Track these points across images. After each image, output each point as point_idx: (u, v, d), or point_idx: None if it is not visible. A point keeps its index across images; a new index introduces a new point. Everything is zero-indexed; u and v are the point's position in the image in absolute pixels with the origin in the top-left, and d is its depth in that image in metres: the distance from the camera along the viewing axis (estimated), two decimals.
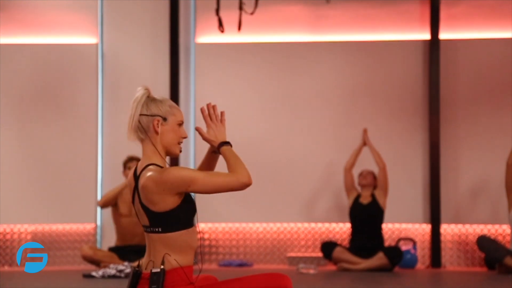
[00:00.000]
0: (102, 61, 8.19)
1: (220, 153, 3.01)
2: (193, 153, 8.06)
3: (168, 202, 2.91)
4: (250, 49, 8.22)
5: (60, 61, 8.18)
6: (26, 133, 8.10)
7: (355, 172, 7.56)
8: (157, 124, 2.95)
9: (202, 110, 3.06)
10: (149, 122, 2.96)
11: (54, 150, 8.07)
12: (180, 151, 3.04)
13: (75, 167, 8.05)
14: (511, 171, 6.96)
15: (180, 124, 3.02)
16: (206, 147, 3.13)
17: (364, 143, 7.62)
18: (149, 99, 2.98)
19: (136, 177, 2.98)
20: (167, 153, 3.02)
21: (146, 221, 2.98)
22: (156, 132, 2.96)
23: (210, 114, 3.03)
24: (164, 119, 2.97)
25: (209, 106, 3.06)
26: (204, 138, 3.03)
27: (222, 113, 3.05)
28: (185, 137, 3.04)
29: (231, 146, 2.98)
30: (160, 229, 2.95)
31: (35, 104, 8.13)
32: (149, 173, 2.90)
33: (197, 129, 3.02)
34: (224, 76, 8.23)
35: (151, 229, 2.97)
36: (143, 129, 2.96)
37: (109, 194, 6.94)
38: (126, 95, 8.19)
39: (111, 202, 6.95)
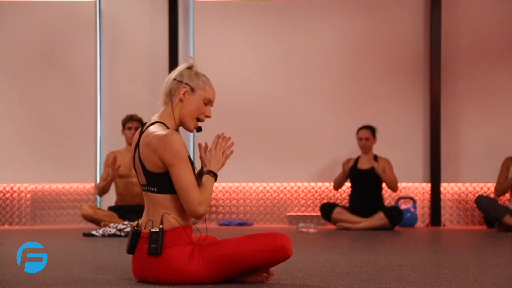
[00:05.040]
0: (100, 19, 8.10)
1: (202, 175, 3.04)
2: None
3: (161, 163, 2.94)
4: (249, 7, 8.13)
5: (58, 19, 8.09)
6: (25, 92, 8.05)
7: (354, 126, 7.53)
8: (183, 91, 3.01)
9: (217, 136, 3.09)
10: (177, 88, 3.03)
11: (53, 109, 8.04)
12: (196, 129, 3.08)
13: (75, 126, 8.03)
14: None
15: (206, 102, 3.06)
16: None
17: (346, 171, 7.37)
18: (188, 69, 3.06)
19: (141, 132, 3.03)
20: (182, 123, 3.06)
21: (143, 180, 3.01)
22: (180, 99, 3.02)
23: (219, 143, 3.07)
24: (192, 89, 3.03)
25: (223, 136, 3.10)
26: (200, 156, 3.08)
27: (231, 151, 3.08)
28: (208, 116, 3.08)
29: (215, 180, 3.01)
30: (155, 189, 2.97)
31: (34, 62, 8.07)
32: (155, 129, 2.96)
33: (199, 145, 3.09)
34: (223, 34, 8.15)
35: (148, 188, 3.00)
36: (170, 93, 3.03)
37: (101, 185, 6.87)
38: (125, 53, 8.13)
39: (106, 190, 6.91)
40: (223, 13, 8.15)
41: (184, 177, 2.90)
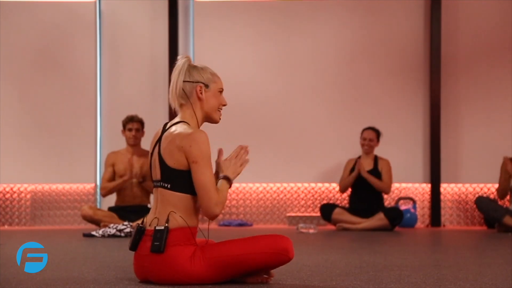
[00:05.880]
0: (100, 19, 8.10)
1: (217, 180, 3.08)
2: None
3: (183, 160, 2.96)
4: (249, 7, 8.13)
5: (59, 19, 8.09)
6: (25, 92, 8.05)
7: (358, 127, 7.53)
8: (200, 90, 3.06)
9: (239, 147, 3.14)
10: (192, 89, 3.07)
11: (53, 109, 8.04)
12: (220, 119, 3.15)
13: (75, 126, 8.03)
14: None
15: (221, 91, 3.12)
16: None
17: (359, 171, 7.24)
18: (191, 66, 3.10)
19: (164, 129, 3.06)
20: (208, 119, 3.12)
21: (158, 175, 3.03)
22: (200, 98, 3.07)
23: (240, 154, 3.12)
24: (207, 86, 3.08)
25: (245, 148, 3.15)
26: (217, 161, 3.11)
27: (247, 160, 3.12)
28: (224, 105, 3.15)
29: (230, 186, 3.05)
30: (169, 186, 2.99)
31: (34, 62, 8.07)
32: (179, 127, 3.00)
33: (219, 150, 3.11)
34: (223, 34, 8.15)
35: (161, 183, 3.01)
36: (186, 95, 3.07)
37: (110, 187, 6.86)
38: (125, 54, 8.13)
39: (114, 192, 6.92)
40: (223, 13, 8.15)
41: (205, 175, 2.94)
